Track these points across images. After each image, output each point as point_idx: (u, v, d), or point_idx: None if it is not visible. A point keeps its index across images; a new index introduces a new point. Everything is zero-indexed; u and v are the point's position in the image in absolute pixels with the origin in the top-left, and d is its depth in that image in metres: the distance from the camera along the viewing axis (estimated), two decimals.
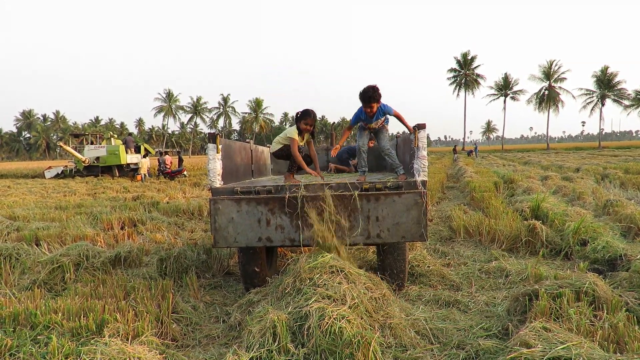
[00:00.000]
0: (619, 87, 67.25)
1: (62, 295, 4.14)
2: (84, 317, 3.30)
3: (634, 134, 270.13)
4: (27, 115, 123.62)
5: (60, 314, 3.36)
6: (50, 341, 2.86)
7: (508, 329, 3.21)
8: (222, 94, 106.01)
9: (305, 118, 4.45)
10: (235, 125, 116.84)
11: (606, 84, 67.40)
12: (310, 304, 2.95)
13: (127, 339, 3.04)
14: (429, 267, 4.79)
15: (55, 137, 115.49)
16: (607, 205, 7.70)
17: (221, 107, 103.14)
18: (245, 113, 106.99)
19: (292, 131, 4.49)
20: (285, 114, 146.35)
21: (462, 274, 4.83)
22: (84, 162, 23.95)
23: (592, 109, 69.98)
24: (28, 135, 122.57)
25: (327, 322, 2.77)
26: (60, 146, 25.32)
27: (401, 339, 3.09)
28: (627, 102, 67.37)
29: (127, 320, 3.24)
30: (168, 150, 30.01)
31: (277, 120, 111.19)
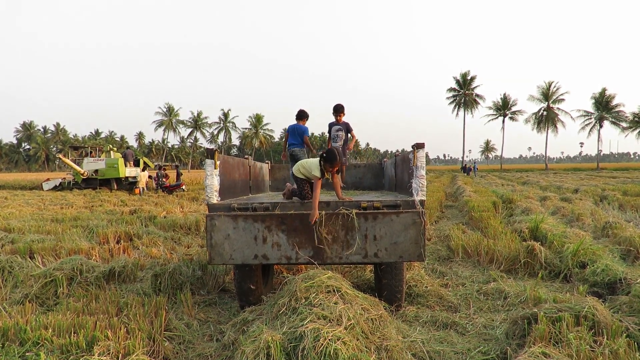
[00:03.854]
0: (617, 109, 67.79)
1: (54, 311, 4.07)
2: (74, 333, 3.24)
3: (632, 156, 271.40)
4: (27, 127, 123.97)
5: (50, 330, 3.29)
6: (38, 358, 2.80)
7: (507, 353, 3.15)
8: (222, 109, 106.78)
9: (331, 162, 4.09)
10: (235, 141, 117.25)
11: (604, 106, 67.95)
12: (306, 324, 2.90)
13: (117, 358, 2.98)
14: (426, 287, 4.73)
15: (55, 149, 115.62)
16: (606, 227, 7.67)
17: (221, 122, 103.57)
18: (246, 128, 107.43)
19: (316, 169, 4.15)
20: (285, 129, 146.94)
21: (460, 295, 4.77)
22: (82, 174, 23.93)
23: (590, 130, 70.42)
24: (28, 146, 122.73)
25: (322, 344, 2.72)
26: (60, 158, 25.32)
27: None
28: (625, 124, 67.85)
29: (118, 337, 3.18)
30: (167, 164, 30.02)
31: (277, 136, 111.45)
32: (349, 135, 6.32)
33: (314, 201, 3.89)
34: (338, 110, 6.24)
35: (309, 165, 4.25)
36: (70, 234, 8.09)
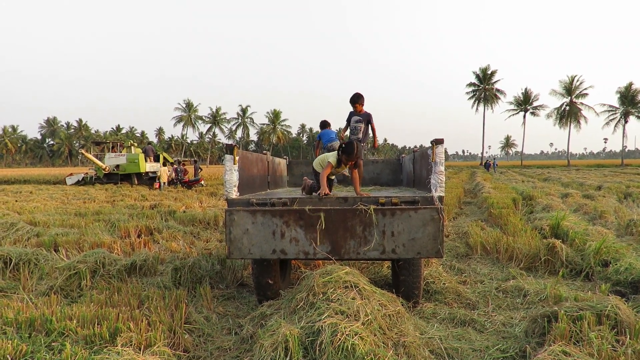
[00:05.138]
0: None
1: (78, 302, 4.18)
2: (98, 325, 3.33)
3: None
4: (51, 123, 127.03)
5: (75, 321, 3.39)
6: (64, 348, 2.89)
7: (526, 351, 3.12)
8: (240, 105, 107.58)
9: (348, 154, 4.11)
10: (253, 136, 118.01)
11: (630, 100, 66.15)
12: (323, 319, 2.92)
13: (140, 349, 3.05)
14: (444, 284, 4.71)
15: (77, 144, 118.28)
16: (630, 225, 7.50)
17: (240, 118, 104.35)
18: (264, 124, 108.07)
19: (332, 157, 4.23)
20: (303, 126, 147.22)
21: (479, 292, 4.73)
22: (104, 169, 24.42)
23: (615, 126, 68.69)
24: (52, 142, 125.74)
25: (340, 338, 2.73)
26: (82, 153, 25.88)
27: (415, 358, 3.03)
28: None
29: (140, 329, 3.25)
30: (186, 159, 30.40)
31: (294, 132, 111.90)
32: (370, 127, 6.02)
33: (322, 179, 4.08)
34: (356, 100, 5.91)
35: (327, 156, 4.30)
36: (93, 228, 8.28)
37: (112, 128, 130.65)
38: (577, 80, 70.00)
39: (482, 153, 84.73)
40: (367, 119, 5.97)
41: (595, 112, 70.32)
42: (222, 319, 4.08)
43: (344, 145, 4.14)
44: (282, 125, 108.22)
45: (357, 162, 5.87)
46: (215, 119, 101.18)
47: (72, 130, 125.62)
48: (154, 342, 3.13)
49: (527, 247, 5.87)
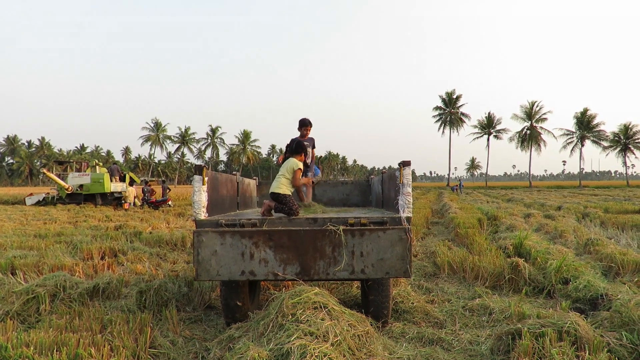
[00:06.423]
0: (598, 128, 69.56)
1: (36, 328, 4.00)
2: (57, 351, 3.19)
3: (613, 174, 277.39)
4: (11, 141, 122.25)
5: (32, 348, 3.24)
6: None
7: None
8: (210, 125, 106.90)
9: (296, 149, 4.32)
10: (223, 156, 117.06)
11: (586, 125, 69.64)
12: (292, 340, 2.90)
13: None
14: (413, 303, 4.76)
15: (39, 163, 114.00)
16: (588, 244, 7.81)
17: (209, 138, 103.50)
18: (233, 144, 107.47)
19: (296, 162, 4.40)
20: (273, 146, 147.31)
21: (446, 311, 4.80)
22: (67, 189, 23.60)
23: (572, 149, 72.02)
24: (11, 160, 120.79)
25: None
26: (44, 173, 24.98)
27: None
28: (605, 143, 69.64)
29: (102, 355, 3.14)
30: (153, 179, 29.78)
31: (264, 152, 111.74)
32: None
33: (303, 186, 4.35)
34: (307, 124, 6.01)
35: (288, 167, 4.40)
36: (54, 250, 7.96)
37: (76, 147, 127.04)
38: (537, 106, 73.31)
39: (448, 174, 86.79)
40: (313, 144, 6.15)
41: (554, 136, 73.65)
42: (189, 342, 3.98)
43: (288, 146, 4.28)
44: (252, 145, 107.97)
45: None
46: (184, 138, 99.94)
47: (34, 149, 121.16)
48: None
49: (492, 266, 6.02)
